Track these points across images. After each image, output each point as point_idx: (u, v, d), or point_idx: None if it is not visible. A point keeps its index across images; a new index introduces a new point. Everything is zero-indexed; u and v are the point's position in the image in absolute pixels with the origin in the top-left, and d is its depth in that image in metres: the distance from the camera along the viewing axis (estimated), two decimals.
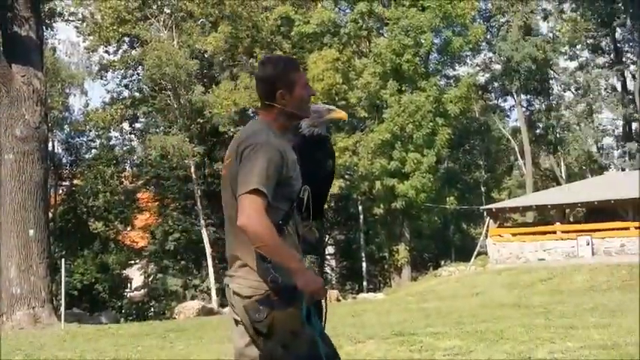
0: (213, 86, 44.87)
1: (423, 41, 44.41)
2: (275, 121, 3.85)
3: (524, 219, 51.71)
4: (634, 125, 62.21)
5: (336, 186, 42.08)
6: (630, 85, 61.66)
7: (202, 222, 43.99)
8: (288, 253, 3.62)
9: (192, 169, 43.92)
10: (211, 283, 43.61)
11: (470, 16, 46.63)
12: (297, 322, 3.66)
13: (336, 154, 41.99)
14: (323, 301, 3.83)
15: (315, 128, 4.13)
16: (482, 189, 61.72)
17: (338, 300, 29.29)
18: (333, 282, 54.21)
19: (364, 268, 48.80)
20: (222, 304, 41.25)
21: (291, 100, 3.82)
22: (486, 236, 39.44)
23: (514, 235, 38.25)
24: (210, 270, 43.59)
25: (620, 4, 58.53)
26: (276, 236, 3.59)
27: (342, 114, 4.38)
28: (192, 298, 42.98)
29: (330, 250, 59.23)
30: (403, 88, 44.15)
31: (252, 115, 47.82)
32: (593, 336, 10.04)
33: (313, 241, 4.17)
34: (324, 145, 4.19)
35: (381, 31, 48.31)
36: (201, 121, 44.81)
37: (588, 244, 33.20)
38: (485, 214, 40.92)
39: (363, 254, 48.95)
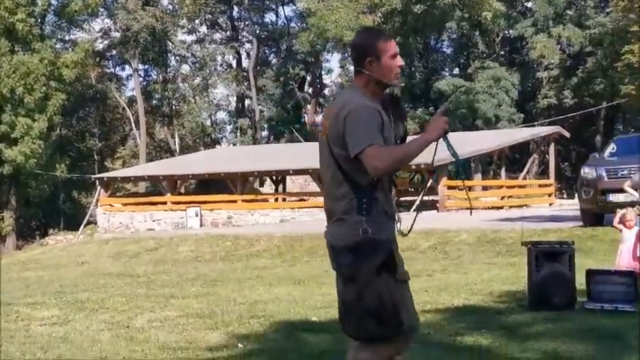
0: None
1: (38, 1, 42.57)
2: (366, 87, 4.14)
3: (137, 189, 51.75)
4: (247, 102, 64.84)
5: None
6: (245, 62, 64.10)
7: None
8: (414, 144, 3.98)
9: None
10: None
11: None
12: (374, 274, 3.96)
13: None
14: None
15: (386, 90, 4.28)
16: (96, 157, 60.84)
17: None
18: None
19: None
20: None
21: (379, 67, 4.11)
22: (97, 205, 38.89)
23: (125, 204, 38.08)
24: None
25: None
26: (398, 148, 4.04)
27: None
28: None
29: None
30: (16, 49, 42.02)
31: None
32: (193, 305, 10.11)
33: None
34: (397, 105, 4.30)
35: None
36: None
37: (197, 215, 33.92)
38: (97, 183, 40.26)
39: None
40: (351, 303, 4.04)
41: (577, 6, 52.45)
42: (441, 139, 4.00)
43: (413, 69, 56.50)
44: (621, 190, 10.67)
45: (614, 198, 14.48)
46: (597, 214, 17.28)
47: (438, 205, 29.73)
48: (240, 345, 7.35)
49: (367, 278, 3.97)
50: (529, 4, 55.11)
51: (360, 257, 3.97)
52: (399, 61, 4.19)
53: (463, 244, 16.76)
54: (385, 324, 3.98)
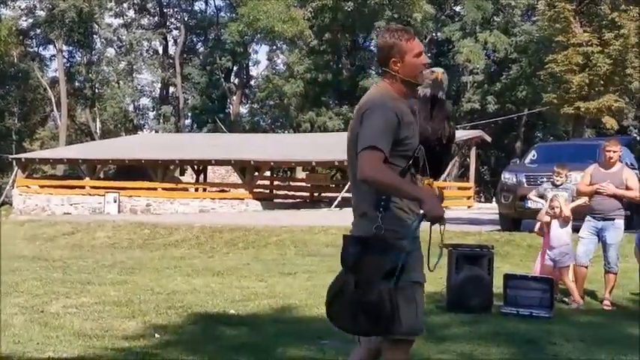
0: None
1: None
2: (392, 86, 4.21)
3: (55, 172, 50.82)
4: (171, 89, 64.22)
5: None
6: (172, 49, 63.49)
7: None
8: (410, 187, 4.09)
9: None
10: None
11: None
12: (379, 272, 3.95)
13: None
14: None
15: (426, 89, 4.44)
16: (14, 137, 59.52)
17: None
18: None
19: None
20: None
21: (403, 67, 4.17)
22: (13, 186, 38.05)
23: (42, 187, 37.30)
24: None
25: None
26: (395, 177, 4.04)
27: (436, 73, 4.52)
28: None
29: None
30: None
31: None
32: (109, 292, 9.99)
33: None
34: (438, 106, 4.43)
35: None
36: None
37: (115, 202, 33.45)
38: (14, 163, 39.37)
39: None
40: (349, 294, 4.01)
41: (505, 13, 53.26)
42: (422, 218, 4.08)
43: (340, 66, 56.63)
44: (540, 197, 10.84)
45: (532, 204, 14.77)
46: (515, 220, 17.59)
47: None
48: (156, 335, 7.28)
49: (369, 275, 3.97)
50: (458, 9, 55.80)
51: (366, 252, 4.01)
52: (424, 59, 4.25)
53: None
54: (378, 322, 3.98)
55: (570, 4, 35.06)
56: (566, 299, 9.64)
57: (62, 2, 52.17)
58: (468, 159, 42.12)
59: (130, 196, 34.12)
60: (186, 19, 62.14)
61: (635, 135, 50.10)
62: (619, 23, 33.81)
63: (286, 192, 38.97)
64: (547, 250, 9.97)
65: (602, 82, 34.52)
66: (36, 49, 61.74)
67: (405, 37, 4.21)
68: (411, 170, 4.18)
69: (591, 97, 34.42)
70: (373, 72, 58.18)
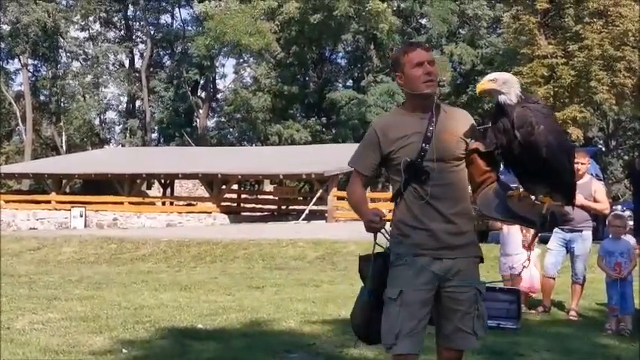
0: None
1: None
2: (406, 102, 4.26)
3: (21, 186, 50.39)
4: (138, 103, 63.96)
5: None
6: (138, 62, 63.26)
7: None
8: (360, 207, 4.29)
9: None
10: None
11: None
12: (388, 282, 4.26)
13: None
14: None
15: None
16: None
17: None
18: None
19: None
20: None
21: (405, 80, 4.16)
22: None
23: (7, 202, 36.92)
24: None
25: None
26: (354, 197, 4.34)
27: (479, 85, 4.29)
28: None
29: None
30: None
31: None
32: (76, 308, 9.89)
33: (559, 219, 4.20)
34: (504, 113, 4.14)
35: None
36: None
37: (82, 216, 33.17)
38: None
39: None
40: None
41: (470, 25, 53.69)
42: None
43: (307, 79, 56.73)
44: None
45: None
46: (482, 232, 17.64)
47: (326, 215, 29.89)
48: (124, 350, 7.22)
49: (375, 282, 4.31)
50: (424, 21, 56.13)
51: (374, 264, 4.29)
52: (427, 68, 4.12)
53: (351, 255, 16.86)
54: (355, 327, 4.49)
55: (535, 17, 35.48)
56: (533, 311, 9.68)
57: (26, 17, 51.82)
58: None
59: (97, 211, 33.88)
60: (152, 32, 61.97)
61: (600, 146, 50.62)
62: (583, 35, 34.26)
63: (254, 205, 38.91)
64: (501, 258, 10.04)
65: (566, 94, 34.94)
66: (0, 62, 61.27)
67: (404, 50, 4.22)
68: (411, 184, 4.12)
69: (556, 108, 34.77)
70: (340, 84, 58.42)
